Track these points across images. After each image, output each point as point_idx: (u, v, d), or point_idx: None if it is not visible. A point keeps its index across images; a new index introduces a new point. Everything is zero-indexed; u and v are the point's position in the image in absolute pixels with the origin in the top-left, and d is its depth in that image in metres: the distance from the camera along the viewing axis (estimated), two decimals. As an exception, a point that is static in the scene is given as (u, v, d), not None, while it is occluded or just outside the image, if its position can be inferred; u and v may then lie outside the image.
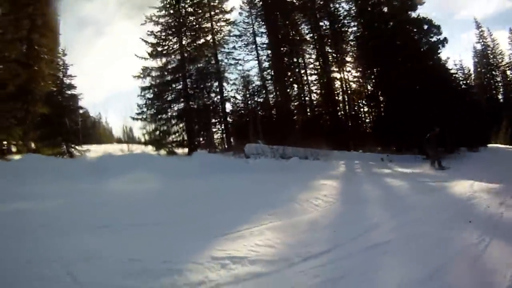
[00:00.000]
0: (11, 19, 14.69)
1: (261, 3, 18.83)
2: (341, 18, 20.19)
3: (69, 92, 14.65)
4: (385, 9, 19.01)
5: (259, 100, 18.22)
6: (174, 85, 15.81)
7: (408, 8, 18.14)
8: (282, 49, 18.63)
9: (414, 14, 18.22)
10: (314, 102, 19.76)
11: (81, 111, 17.94)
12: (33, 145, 14.09)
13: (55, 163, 11.69)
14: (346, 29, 20.31)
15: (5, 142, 13.58)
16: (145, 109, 15.28)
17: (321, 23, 20.05)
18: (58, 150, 13.86)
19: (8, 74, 13.45)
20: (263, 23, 18.73)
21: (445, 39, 17.96)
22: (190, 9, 16.77)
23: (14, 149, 14.05)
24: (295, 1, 19.73)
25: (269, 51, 18.59)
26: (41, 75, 14.58)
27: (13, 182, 7.68)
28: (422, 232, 3.52)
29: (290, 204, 4.96)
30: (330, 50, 20.13)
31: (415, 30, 18.50)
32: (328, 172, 10.32)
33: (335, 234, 3.57)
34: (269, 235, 3.47)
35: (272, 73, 18.61)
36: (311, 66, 19.77)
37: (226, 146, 16.86)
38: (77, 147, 14.10)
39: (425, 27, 18.18)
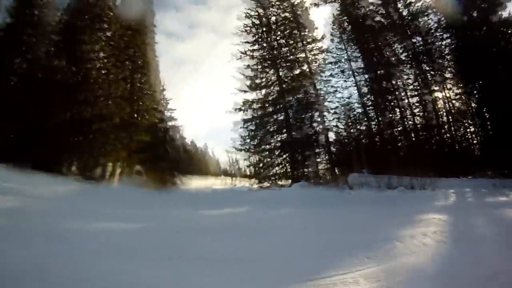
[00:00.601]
0: (113, 62, 15.65)
1: (350, 27, 17.93)
2: (432, 31, 18.58)
3: (169, 123, 15.24)
4: (474, 14, 17.22)
5: (361, 128, 16.76)
6: (275, 116, 15.23)
7: (496, 8, 16.24)
8: (378, 72, 17.29)
9: (505, 13, 16.31)
10: (418, 126, 17.72)
11: (183, 141, 18.28)
12: (146, 168, 14.82)
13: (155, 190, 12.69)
14: (440, 42, 18.54)
15: (110, 164, 14.55)
16: (248, 140, 14.80)
17: (413, 40, 18.54)
18: (166, 175, 14.55)
19: (114, 108, 14.88)
20: (355, 47, 17.70)
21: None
22: (282, 41, 16.63)
23: (119, 170, 14.84)
24: (383, 20, 18.59)
25: (366, 76, 17.31)
26: (143, 109, 16.05)
27: (109, 204, 8.05)
28: None
29: (392, 243, 4.19)
30: (427, 68, 18.38)
31: (509, 31, 16.44)
32: (436, 203, 9.33)
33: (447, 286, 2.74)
34: (363, 285, 2.78)
35: (372, 99, 17.16)
36: (411, 87, 18.00)
37: (330, 177, 15.44)
38: (182, 175, 14.27)
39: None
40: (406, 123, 17.55)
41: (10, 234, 3.81)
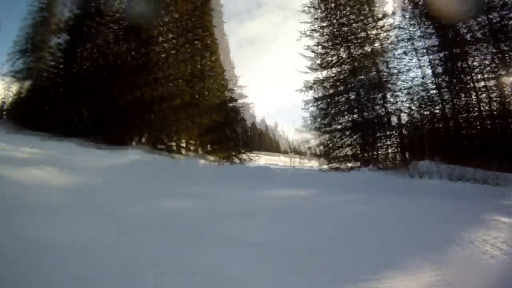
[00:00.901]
0: (181, 42, 16.27)
1: (421, 2, 16.65)
2: (509, 5, 16.57)
3: (239, 101, 15.52)
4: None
5: (434, 110, 15.53)
6: (339, 97, 14.79)
7: None
8: (453, 51, 15.88)
9: None
10: (494, 112, 16.04)
11: (249, 121, 18.33)
12: (208, 147, 15.47)
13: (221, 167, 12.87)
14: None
15: (181, 140, 15.24)
16: (318, 119, 14.37)
17: (489, 16, 16.70)
18: (226, 155, 14.74)
19: (183, 87, 15.42)
20: (428, 23, 16.37)
21: None
22: (351, 17, 15.98)
23: (189, 148, 15.46)
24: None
25: (440, 54, 15.98)
26: (213, 87, 16.39)
27: (171, 180, 7.96)
28: None
29: (449, 246, 3.69)
30: (505, 48, 16.54)
31: None
32: (503, 201, 8.07)
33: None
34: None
35: (447, 79, 15.84)
36: (488, 68, 16.32)
37: (399, 161, 14.52)
38: (243, 154, 14.15)
39: None
40: (482, 108, 15.98)
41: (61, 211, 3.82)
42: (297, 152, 17.32)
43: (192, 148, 15.31)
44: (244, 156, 14.49)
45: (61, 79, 18.54)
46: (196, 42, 16.47)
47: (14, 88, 21.73)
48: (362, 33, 15.61)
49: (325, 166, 14.18)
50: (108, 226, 3.43)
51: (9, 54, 21.63)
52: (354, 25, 15.53)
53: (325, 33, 15.33)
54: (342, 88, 14.76)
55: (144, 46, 15.86)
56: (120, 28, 17.68)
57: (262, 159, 15.50)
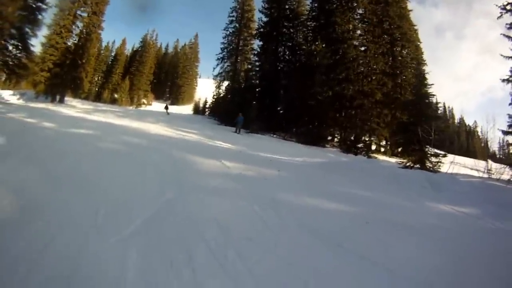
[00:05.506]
0: (370, 38, 16.17)
1: None
2: None
3: (427, 100, 14.06)
4: None
5: None
6: None
7: None
8: None
9: None
10: None
11: (447, 119, 17.24)
12: (396, 148, 14.47)
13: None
14: None
15: (372, 140, 15.02)
16: None
17: None
18: (415, 157, 13.31)
19: (376, 84, 15.19)
20: None
21: None
22: None
23: (380, 149, 15.19)
24: None
25: None
26: (405, 83, 15.70)
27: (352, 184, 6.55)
28: None
29: None
30: None
31: None
32: None
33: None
34: None
35: None
36: None
37: None
38: (432, 158, 13.02)
39: None
40: None
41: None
42: (495, 158, 14.34)
43: (382, 149, 15.09)
44: (434, 160, 13.26)
45: (256, 80, 21.79)
46: (393, 31, 15.79)
47: (214, 88, 26.49)
48: None
49: None
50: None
51: (217, 60, 26.97)
52: None
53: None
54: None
55: (341, 41, 16.14)
56: (316, 26, 18.72)
57: (454, 165, 13.57)
